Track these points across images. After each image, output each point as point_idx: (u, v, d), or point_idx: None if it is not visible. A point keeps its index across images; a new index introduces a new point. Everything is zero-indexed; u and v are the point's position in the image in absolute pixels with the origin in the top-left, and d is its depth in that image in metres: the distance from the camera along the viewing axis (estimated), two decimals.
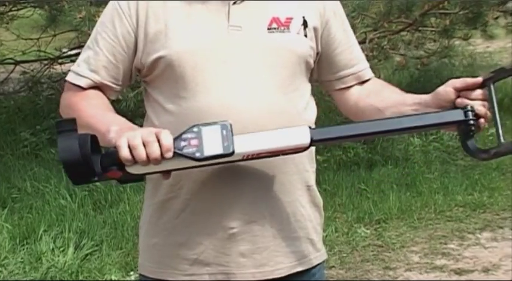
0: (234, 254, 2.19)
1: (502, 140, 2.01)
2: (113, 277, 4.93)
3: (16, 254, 5.28)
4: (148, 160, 1.82)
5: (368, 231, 5.80)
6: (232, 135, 1.91)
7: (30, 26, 8.45)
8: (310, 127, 1.98)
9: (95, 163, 1.86)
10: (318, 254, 2.35)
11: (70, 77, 2.23)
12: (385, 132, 2.12)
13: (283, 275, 2.24)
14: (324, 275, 2.45)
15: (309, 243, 2.31)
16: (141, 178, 1.98)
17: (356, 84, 2.36)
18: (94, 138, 1.89)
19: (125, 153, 1.82)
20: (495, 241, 5.66)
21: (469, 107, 2.04)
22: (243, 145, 1.93)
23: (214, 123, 1.91)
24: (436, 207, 6.21)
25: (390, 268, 5.21)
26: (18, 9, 8.38)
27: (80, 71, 2.21)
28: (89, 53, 2.22)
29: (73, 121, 1.88)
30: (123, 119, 2.06)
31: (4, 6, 8.27)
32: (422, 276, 5.10)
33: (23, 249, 5.32)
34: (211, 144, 1.89)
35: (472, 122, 2.04)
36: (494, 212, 6.16)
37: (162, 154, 1.82)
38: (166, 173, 1.95)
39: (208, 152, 1.89)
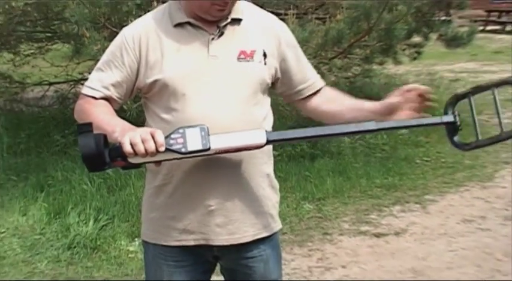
0: (212, 225, 2.24)
1: (480, 137, 2.22)
2: (122, 242, 4.94)
3: (51, 226, 5.27)
4: (146, 153, 1.86)
5: (311, 206, 5.81)
6: (209, 135, 1.97)
7: (61, 56, 8.45)
8: (266, 131, 2.04)
9: (105, 155, 1.91)
10: (275, 225, 2.40)
11: (86, 91, 2.24)
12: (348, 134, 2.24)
13: (249, 240, 2.29)
14: (279, 239, 2.49)
15: (269, 216, 2.35)
16: (139, 166, 1.99)
17: (311, 94, 2.40)
18: (105, 137, 1.94)
19: (127, 148, 1.87)
20: (403, 212, 5.69)
21: (456, 113, 2.20)
22: (216, 143, 1.97)
23: (195, 126, 1.97)
24: (360, 188, 6.24)
25: (328, 234, 5.22)
26: (52, 44, 8.37)
27: (94, 86, 2.22)
28: (102, 74, 2.23)
29: (90, 124, 1.93)
30: (125, 122, 2.08)
31: (42, 42, 8.32)
32: (351, 239, 5.11)
33: (56, 222, 5.31)
34: (193, 142, 1.96)
35: (458, 123, 2.20)
36: (403, 191, 6.20)
37: (156, 149, 1.87)
38: (158, 162, 1.98)
39: (191, 147, 1.96)
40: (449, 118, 2.22)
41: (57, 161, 6.56)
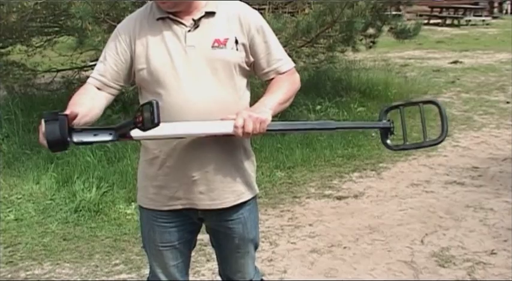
0: (196, 193, 2.23)
1: (407, 142, 2.37)
2: (121, 206, 4.92)
3: (60, 192, 5.24)
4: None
5: (282, 174, 5.79)
6: None
7: (66, 47, 8.41)
8: None
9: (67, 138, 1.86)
10: (252, 191, 2.39)
11: (88, 79, 2.26)
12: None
13: (228, 205, 2.28)
14: (256, 204, 2.47)
15: (246, 184, 2.34)
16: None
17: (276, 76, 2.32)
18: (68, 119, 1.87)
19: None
20: (361, 178, 5.70)
21: (391, 120, 2.34)
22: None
23: None
24: (325, 158, 6.22)
25: (297, 197, 5.21)
26: (59, 37, 8.32)
27: (93, 75, 2.24)
28: (100, 65, 2.24)
29: (55, 113, 1.84)
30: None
31: (50, 36, 8.27)
32: (317, 201, 5.11)
33: (64, 189, 5.28)
34: None
35: (392, 129, 2.31)
36: (360, 160, 6.20)
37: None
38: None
39: None
40: (385, 124, 2.34)
41: None
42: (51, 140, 1.82)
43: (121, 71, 2.23)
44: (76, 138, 1.90)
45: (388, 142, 2.35)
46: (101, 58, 2.28)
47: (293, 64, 2.37)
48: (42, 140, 1.85)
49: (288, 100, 2.27)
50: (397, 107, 2.39)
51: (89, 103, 2.12)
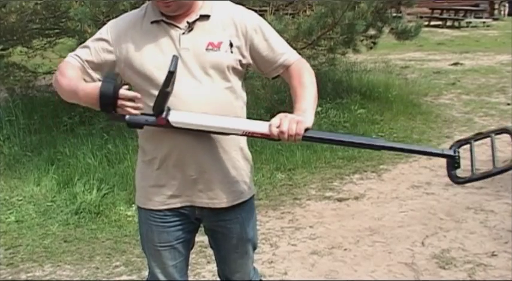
0: (194, 191, 2.25)
1: (474, 172, 2.14)
2: (121, 208, 4.92)
3: (61, 194, 5.24)
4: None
5: (283, 175, 5.79)
6: None
7: (67, 49, 8.32)
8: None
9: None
10: (249, 191, 2.39)
11: (68, 58, 2.25)
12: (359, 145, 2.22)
13: (227, 205, 2.29)
14: (254, 204, 2.47)
15: (244, 184, 2.34)
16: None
17: (285, 69, 2.30)
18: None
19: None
20: (362, 179, 5.70)
21: (457, 150, 2.15)
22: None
23: None
24: (325, 159, 6.21)
25: (297, 199, 5.20)
26: (59, 39, 8.35)
27: (77, 56, 2.23)
28: (85, 50, 2.23)
29: (115, 74, 2.14)
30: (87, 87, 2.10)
31: (51, 37, 8.29)
32: (317, 203, 5.10)
33: (65, 191, 5.28)
34: None
35: (458, 159, 2.12)
36: (361, 161, 6.19)
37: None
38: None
39: None
40: (449, 152, 2.18)
41: (65, 138, 6.51)
42: (103, 95, 1.98)
43: (103, 63, 2.23)
44: (129, 118, 2.06)
45: (453, 173, 2.19)
46: (86, 44, 2.26)
47: (298, 55, 2.36)
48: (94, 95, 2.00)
49: (316, 91, 2.28)
50: (467, 141, 2.27)
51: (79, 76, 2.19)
